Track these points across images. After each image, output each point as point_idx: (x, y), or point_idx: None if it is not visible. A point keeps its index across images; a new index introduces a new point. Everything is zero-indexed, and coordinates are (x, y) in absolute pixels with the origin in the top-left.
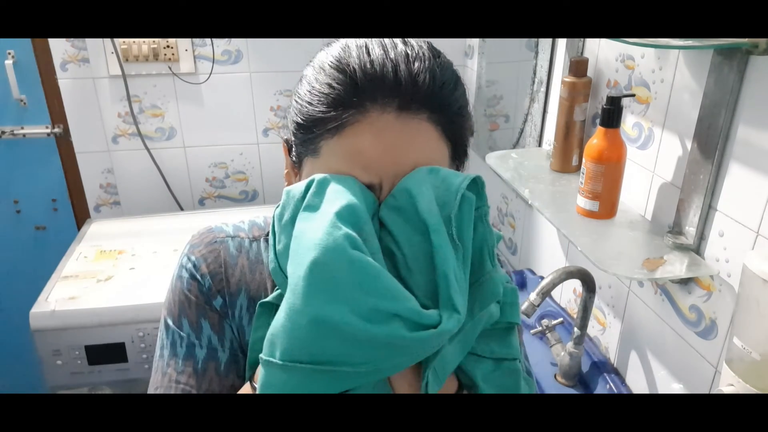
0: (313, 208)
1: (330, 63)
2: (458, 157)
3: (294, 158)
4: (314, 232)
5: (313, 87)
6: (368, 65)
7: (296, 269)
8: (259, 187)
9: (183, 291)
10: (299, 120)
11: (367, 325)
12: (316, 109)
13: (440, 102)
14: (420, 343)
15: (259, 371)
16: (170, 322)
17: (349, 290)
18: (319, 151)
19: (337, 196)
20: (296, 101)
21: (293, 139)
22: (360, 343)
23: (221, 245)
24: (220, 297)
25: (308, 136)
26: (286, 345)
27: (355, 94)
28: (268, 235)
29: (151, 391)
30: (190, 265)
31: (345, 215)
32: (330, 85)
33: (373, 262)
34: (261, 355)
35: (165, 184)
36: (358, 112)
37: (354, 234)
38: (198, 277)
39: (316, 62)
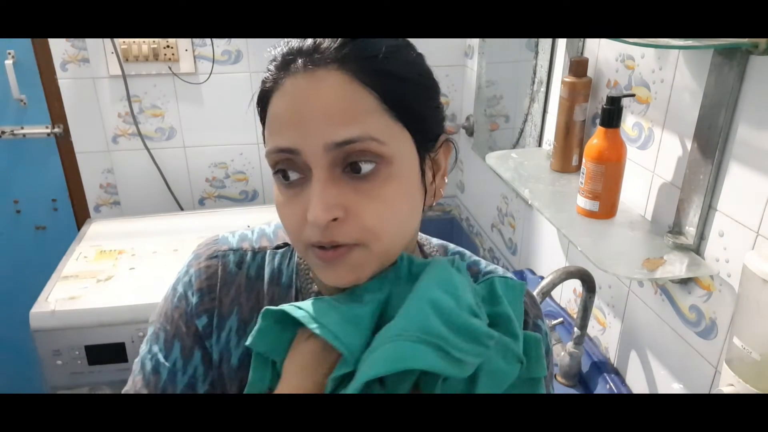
0: None
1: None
2: (406, 120)
3: None
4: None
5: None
6: (290, 44)
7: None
8: (259, 187)
9: (170, 304)
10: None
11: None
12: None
13: (351, 53)
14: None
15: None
16: (150, 332)
17: (457, 290)
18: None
19: None
20: None
21: None
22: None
23: (221, 260)
24: (205, 317)
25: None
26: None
27: (277, 69)
28: (277, 248)
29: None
30: (186, 279)
31: None
32: (267, 71)
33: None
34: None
35: (165, 184)
36: (275, 85)
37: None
38: (188, 293)
39: None
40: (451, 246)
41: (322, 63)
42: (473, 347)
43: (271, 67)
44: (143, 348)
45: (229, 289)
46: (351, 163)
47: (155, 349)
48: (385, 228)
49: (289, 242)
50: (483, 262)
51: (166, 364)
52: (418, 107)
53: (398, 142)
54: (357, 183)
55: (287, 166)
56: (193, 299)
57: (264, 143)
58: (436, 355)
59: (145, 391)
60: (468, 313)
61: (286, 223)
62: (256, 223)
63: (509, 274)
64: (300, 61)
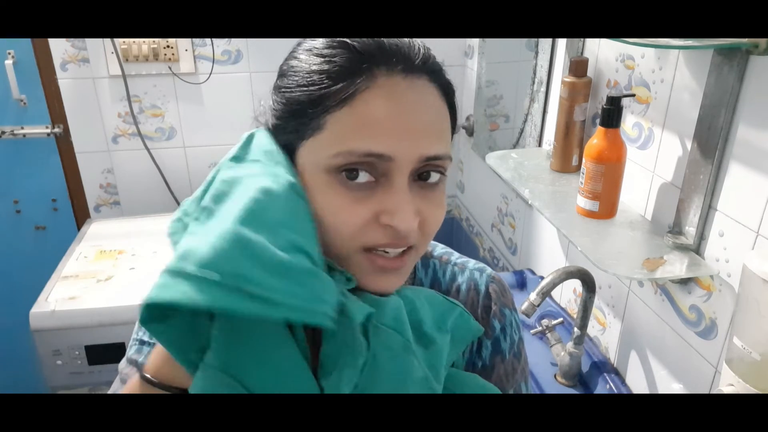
0: (242, 158)
1: (321, 45)
2: (453, 129)
3: None
4: (257, 177)
5: (308, 71)
6: (363, 40)
7: (233, 205)
8: None
9: None
10: (293, 107)
11: (280, 253)
12: (318, 87)
13: (435, 68)
14: (324, 285)
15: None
16: (130, 343)
17: (276, 225)
18: (323, 126)
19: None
20: (284, 93)
21: (279, 129)
22: (271, 268)
23: None
24: None
25: (308, 117)
26: (205, 255)
27: (361, 61)
28: None
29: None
30: None
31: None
32: (330, 62)
33: (306, 207)
34: (166, 267)
35: (165, 184)
36: (366, 78)
37: (296, 181)
38: None
39: (300, 53)
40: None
41: (416, 71)
42: (283, 283)
43: (344, 52)
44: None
45: None
46: (422, 172)
47: (131, 354)
48: (434, 232)
49: None
50: (456, 255)
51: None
52: (456, 118)
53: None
54: (424, 191)
55: (364, 167)
56: None
57: (296, 128)
58: (202, 289)
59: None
60: (287, 251)
61: (339, 227)
62: None
63: (481, 265)
64: (399, 64)
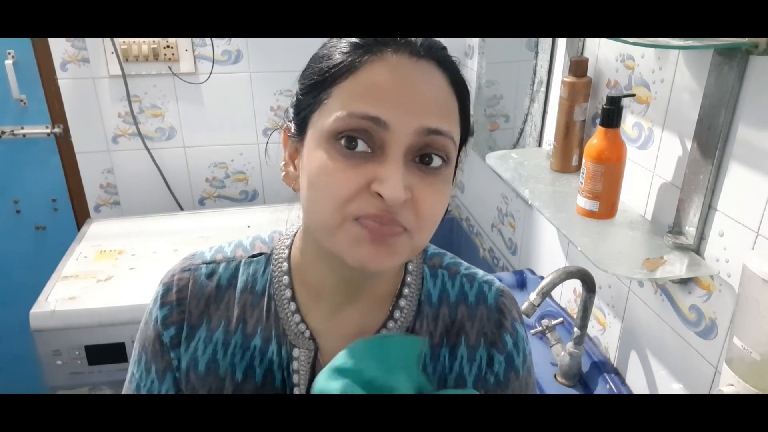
0: None
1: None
2: (465, 126)
3: (296, 132)
4: None
5: (323, 52)
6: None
7: None
8: (259, 187)
9: (143, 322)
10: (307, 82)
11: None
12: (329, 61)
13: (446, 59)
14: None
15: None
16: (135, 348)
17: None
18: (330, 95)
19: None
20: (304, 73)
21: (298, 107)
22: None
23: (193, 274)
24: (173, 328)
25: (317, 90)
26: None
27: (369, 40)
28: (252, 256)
29: None
30: (159, 292)
31: None
32: (345, 42)
33: None
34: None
35: (165, 184)
36: (374, 52)
37: None
38: (157, 307)
39: (326, 44)
40: (432, 248)
41: (424, 55)
42: None
43: (357, 39)
44: (130, 366)
45: (198, 300)
46: (422, 155)
47: (135, 370)
48: (431, 221)
49: (265, 252)
50: (464, 265)
51: (134, 375)
52: (470, 119)
53: (457, 148)
54: (423, 174)
55: (360, 134)
56: (162, 312)
57: (309, 102)
58: None
59: None
60: None
61: (333, 190)
62: (256, 223)
63: (489, 277)
64: (407, 48)
